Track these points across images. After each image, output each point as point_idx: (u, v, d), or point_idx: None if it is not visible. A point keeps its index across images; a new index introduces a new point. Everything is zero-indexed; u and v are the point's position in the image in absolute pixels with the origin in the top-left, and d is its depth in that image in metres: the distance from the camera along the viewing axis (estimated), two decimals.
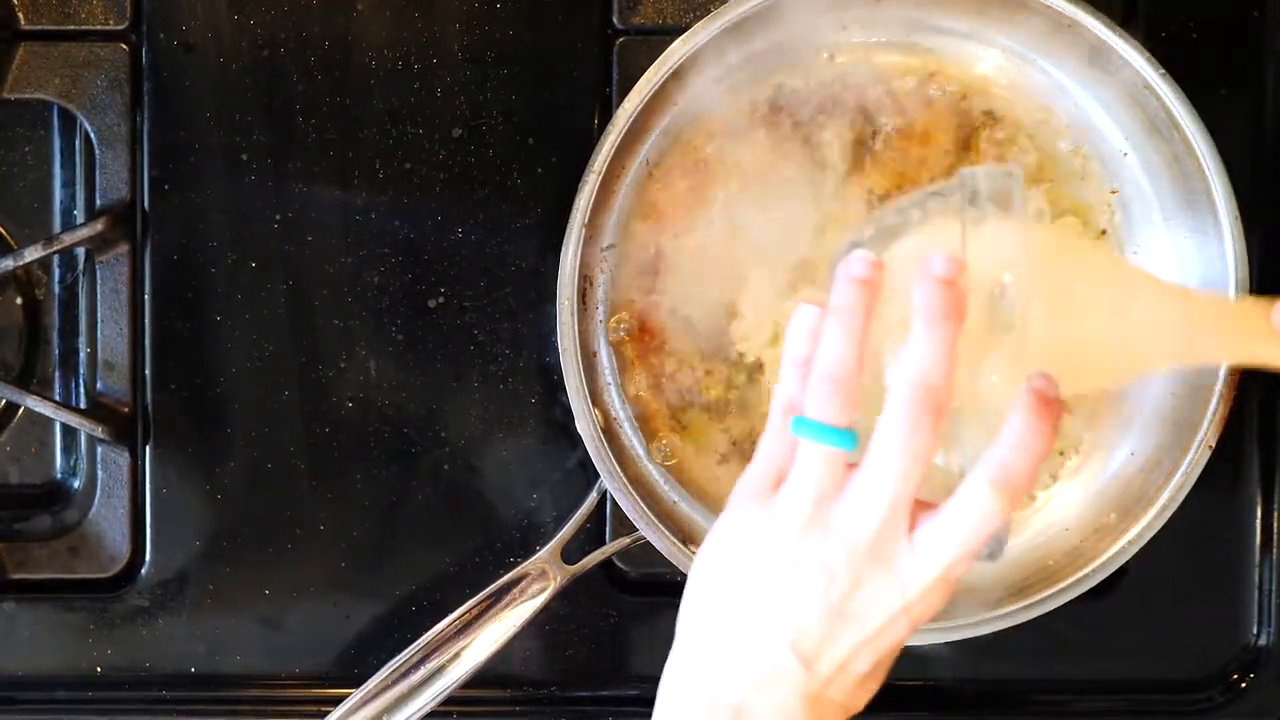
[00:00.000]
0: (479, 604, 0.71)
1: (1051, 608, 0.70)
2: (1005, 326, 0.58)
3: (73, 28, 0.76)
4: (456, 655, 0.70)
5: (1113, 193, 0.74)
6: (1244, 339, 0.60)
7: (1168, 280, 0.64)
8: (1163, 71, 0.68)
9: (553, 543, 0.72)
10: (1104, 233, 0.73)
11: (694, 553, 0.70)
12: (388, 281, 0.76)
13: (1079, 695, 0.78)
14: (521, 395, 0.76)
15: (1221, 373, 0.68)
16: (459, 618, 0.71)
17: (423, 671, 0.70)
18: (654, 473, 0.74)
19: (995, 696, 0.78)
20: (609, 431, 0.72)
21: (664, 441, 0.74)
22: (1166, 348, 0.61)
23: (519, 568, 0.72)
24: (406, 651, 0.70)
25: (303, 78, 0.76)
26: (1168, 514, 0.69)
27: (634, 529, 0.71)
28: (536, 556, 0.72)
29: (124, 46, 0.76)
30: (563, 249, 0.70)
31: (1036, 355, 0.58)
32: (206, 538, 0.77)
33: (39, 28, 0.76)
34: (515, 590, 0.71)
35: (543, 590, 0.71)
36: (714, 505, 0.74)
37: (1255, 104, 0.77)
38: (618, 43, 0.76)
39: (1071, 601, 0.70)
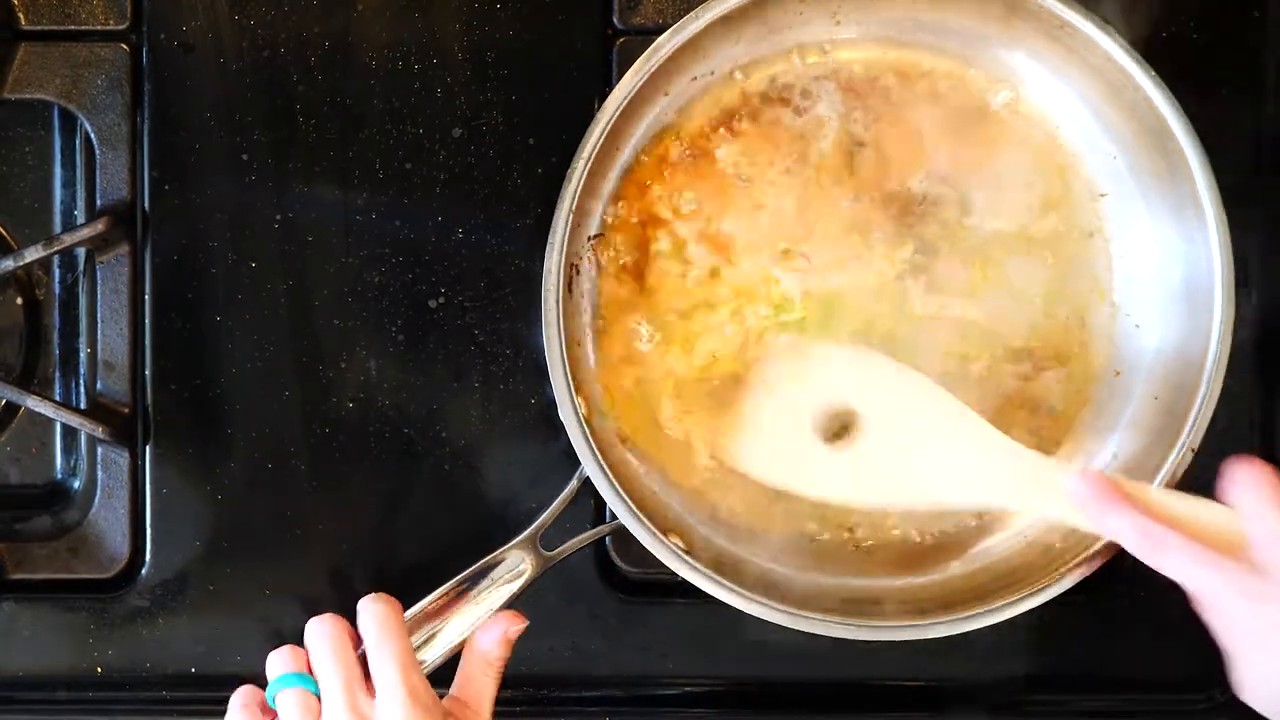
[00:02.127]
0: (454, 588, 0.70)
1: (1037, 603, 0.69)
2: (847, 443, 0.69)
3: (73, 28, 0.76)
4: (431, 638, 0.70)
5: (1101, 195, 0.74)
6: (1048, 499, 0.66)
7: (994, 434, 0.68)
8: (1153, 74, 0.68)
9: (531, 528, 0.71)
10: (1092, 235, 0.74)
11: (674, 543, 0.70)
12: (388, 281, 0.76)
13: (1079, 695, 0.78)
14: (521, 395, 0.77)
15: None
16: (432, 601, 0.70)
17: None
18: (636, 464, 0.74)
19: (995, 696, 0.78)
20: (591, 422, 0.72)
21: (644, 432, 0.74)
22: (985, 486, 0.68)
23: (496, 552, 0.71)
24: None
25: (303, 78, 0.76)
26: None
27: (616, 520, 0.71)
28: (513, 542, 0.71)
29: (124, 46, 0.76)
30: (549, 237, 0.69)
31: (876, 469, 0.68)
32: (206, 538, 0.77)
33: (39, 28, 0.76)
34: (491, 575, 0.71)
35: (519, 576, 0.71)
36: (691, 497, 0.74)
37: (1255, 104, 0.77)
38: (618, 43, 0.76)
39: (1071, 601, 0.70)
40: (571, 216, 0.69)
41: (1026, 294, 0.73)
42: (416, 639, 0.69)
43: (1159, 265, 0.72)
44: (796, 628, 0.69)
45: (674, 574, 0.71)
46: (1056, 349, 0.74)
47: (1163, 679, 0.78)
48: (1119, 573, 0.72)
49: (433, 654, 0.70)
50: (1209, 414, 0.69)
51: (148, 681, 0.77)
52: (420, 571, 0.77)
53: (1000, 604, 0.69)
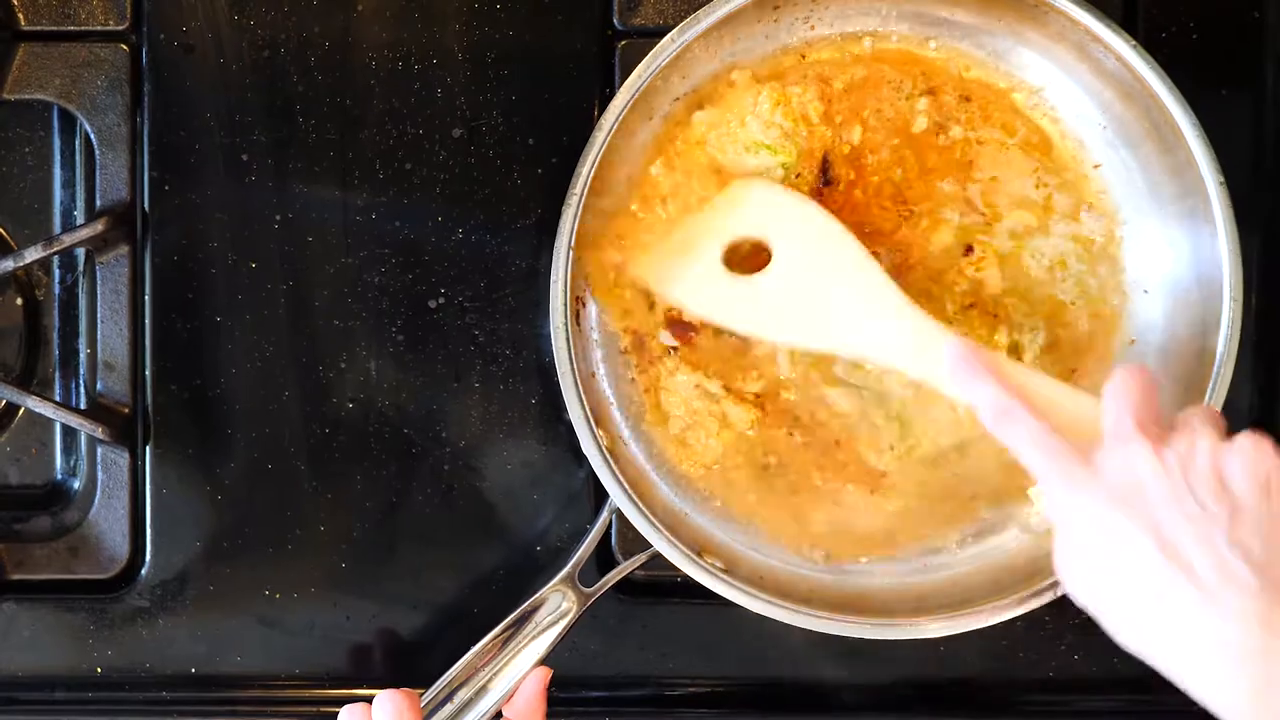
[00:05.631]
0: (500, 634, 0.71)
1: (1049, 599, 0.70)
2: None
3: (73, 28, 0.76)
4: (483, 688, 0.70)
5: (1095, 166, 0.74)
6: (927, 360, 0.67)
7: (892, 290, 0.69)
8: (1134, 43, 0.68)
9: (568, 567, 0.72)
10: (1090, 205, 0.74)
11: (710, 563, 0.70)
12: (388, 282, 0.76)
13: (1079, 695, 0.78)
14: (522, 395, 0.77)
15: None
16: (481, 650, 0.70)
17: (449, 709, 0.70)
18: (663, 488, 0.74)
19: (995, 696, 0.78)
20: (615, 452, 0.72)
21: (668, 453, 0.74)
22: (874, 337, 0.68)
23: (537, 595, 0.71)
24: (434, 689, 0.70)
25: (303, 78, 0.76)
26: None
27: (645, 544, 0.70)
28: (553, 582, 0.71)
29: (124, 47, 0.76)
30: (552, 276, 0.69)
31: (779, 305, 0.69)
32: (206, 538, 0.77)
33: (39, 28, 0.76)
34: (534, 619, 0.71)
35: (563, 616, 0.71)
36: (723, 513, 0.74)
37: (1255, 104, 0.77)
38: (619, 44, 0.76)
39: (1072, 601, 0.70)
40: (571, 251, 0.69)
41: (1034, 264, 0.73)
42: (468, 690, 0.70)
43: (1164, 239, 0.73)
44: (825, 629, 0.70)
45: (675, 574, 0.71)
46: (1068, 318, 0.74)
47: (1162, 679, 0.78)
48: None
49: (486, 703, 0.70)
50: (1228, 374, 0.69)
51: (147, 682, 0.77)
52: (421, 572, 0.77)
53: (1001, 602, 0.70)
